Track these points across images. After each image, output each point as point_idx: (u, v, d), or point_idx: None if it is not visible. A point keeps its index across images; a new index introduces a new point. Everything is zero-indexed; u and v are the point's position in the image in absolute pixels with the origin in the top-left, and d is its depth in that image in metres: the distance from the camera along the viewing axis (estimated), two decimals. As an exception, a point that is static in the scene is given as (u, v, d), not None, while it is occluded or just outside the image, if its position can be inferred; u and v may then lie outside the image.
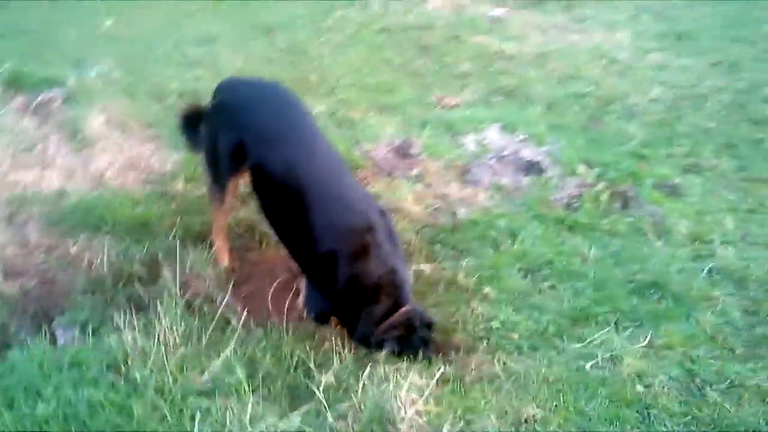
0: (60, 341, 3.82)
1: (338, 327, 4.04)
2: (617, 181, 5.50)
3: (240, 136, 4.10)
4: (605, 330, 4.12)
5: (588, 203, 5.19)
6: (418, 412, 3.41)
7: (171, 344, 3.66)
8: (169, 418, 3.31)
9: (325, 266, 3.88)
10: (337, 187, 4.01)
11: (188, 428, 3.24)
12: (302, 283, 4.14)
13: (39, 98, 6.06)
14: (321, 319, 4.03)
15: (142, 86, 6.58)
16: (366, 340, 3.86)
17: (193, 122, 4.73)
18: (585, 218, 5.05)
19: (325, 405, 3.41)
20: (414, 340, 3.83)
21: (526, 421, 3.50)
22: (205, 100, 4.95)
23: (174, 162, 5.49)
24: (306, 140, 4.12)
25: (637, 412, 3.62)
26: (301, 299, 4.15)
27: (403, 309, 3.84)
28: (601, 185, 5.36)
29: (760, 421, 3.59)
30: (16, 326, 3.91)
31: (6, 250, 4.41)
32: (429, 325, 3.91)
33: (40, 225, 4.69)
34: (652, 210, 5.22)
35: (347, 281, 3.84)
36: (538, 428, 3.47)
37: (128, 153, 5.57)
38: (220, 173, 4.28)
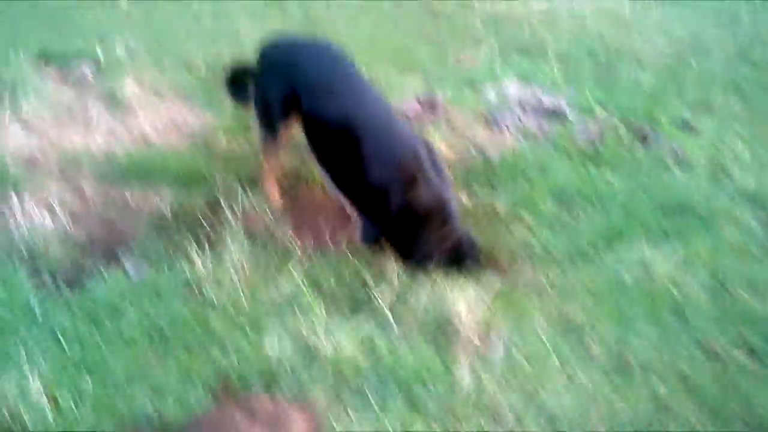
0: (131, 274, 4.05)
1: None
2: (635, 122, 5.81)
3: (292, 85, 4.41)
4: (637, 246, 4.42)
5: (610, 140, 5.51)
6: (475, 318, 3.71)
7: (240, 269, 3.94)
8: (248, 331, 3.59)
9: (378, 197, 4.18)
10: (386, 126, 4.31)
11: (266, 340, 3.54)
12: (354, 216, 4.41)
13: (73, 70, 6.26)
14: (374, 244, 4.31)
15: (168, 59, 6.79)
16: (419, 262, 4.15)
17: (238, 79, 5.01)
18: (608, 153, 5.36)
19: (389, 314, 3.70)
20: (462, 259, 4.13)
21: (571, 322, 3.81)
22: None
23: (211, 122, 5.73)
24: (355, 85, 4.45)
25: (672, 311, 3.94)
26: (355, 231, 4.41)
27: (452, 232, 4.15)
28: (620, 125, 5.66)
29: (787, 314, 3.92)
30: (88, 265, 4.13)
31: (65, 202, 4.63)
32: (474, 246, 4.20)
33: (94, 180, 4.92)
34: (670, 144, 5.54)
35: (400, 208, 4.14)
36: (583, 327, 3.77)
37: (166, 115, 5.81)
38: (272, 120, 4.57)
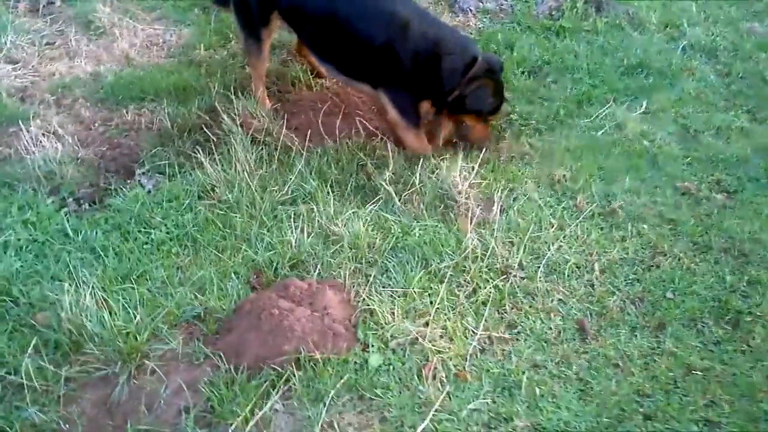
0: (147, 187, 4.32)
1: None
2: (588, -9, 6.15)
3: None
4: (607, 106, 4.81)
5: (568, 11, 5.84)
6: (471, 185, 4.08)
7: (248, 170, 4.24)
8: (267, 223, 3.93)
9: (385, 59, 4.29)
10: None
11: (287, 231, 3.85)
12: (382, 98, 4.47)
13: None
14: (417, 118, 4.44)
15: (130, -23, 6.87)
16: (458, 101, 4.30)
17: None
18: (568, 23, 5.72)
19: (393, 194, 4.05)
20: (498, 85, 4.35)
21: (558, 181, 4.20)
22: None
23: (187, 35, 5.93)
24: None
25: (647, 160, 4.35)
26: (390, 113, 4.46)
27: (479, 60, 4.28)
28: (575, -4, 6.01)
29: (747, 150, 4.36)
30: (105, 183, 4.38)
31: (67, 129, 4.85)
32: (502, 68, 4.44)
33: (88, 104, 5.12)
34: (623, 8, 5.92)
35: (412, 57, 4.24)
36: (569, 185, 4.17)
37: (143, 34, 5.99)
38: (253, 26, 4.74)
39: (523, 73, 5.22)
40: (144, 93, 5.16)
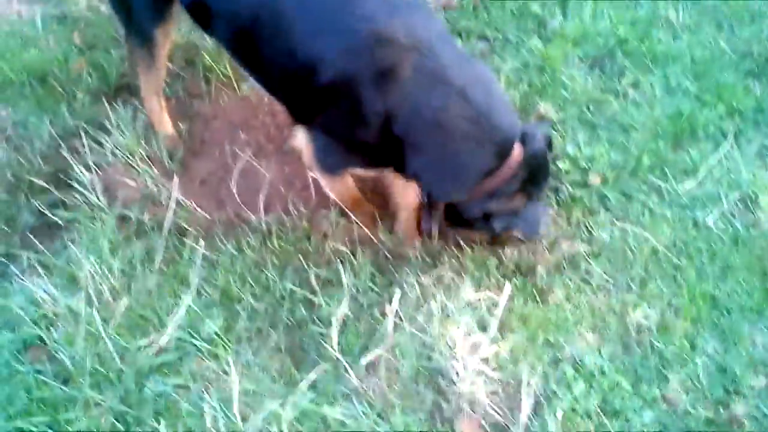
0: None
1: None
2: None
3: None
4: (721, 148, 2.85)
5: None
6: (482, 360, 2.27)
7: (106, 292, 2.46)
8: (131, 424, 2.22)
9: (338, 101, 2.39)
10: None
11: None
12: (302, 135, 2.59)
13: None
14: (337, 170, 2.64)
15: None
16: (454, 214, 2.46)
17: None
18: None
19: (343, 361, 2.29)
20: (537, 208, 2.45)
21: (638, 331, 2.38)
22: None
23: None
24: None
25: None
26: (306, 155, 2.62)
27: (516, 152, 2.33)
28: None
29: None
30: None
31: None
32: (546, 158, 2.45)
33: None
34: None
35: (382, 116, 2.31)
36: (655, 341, 2.36)
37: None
38: (138, 21, 2.80)
39: (582, 62, 3.19)
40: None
